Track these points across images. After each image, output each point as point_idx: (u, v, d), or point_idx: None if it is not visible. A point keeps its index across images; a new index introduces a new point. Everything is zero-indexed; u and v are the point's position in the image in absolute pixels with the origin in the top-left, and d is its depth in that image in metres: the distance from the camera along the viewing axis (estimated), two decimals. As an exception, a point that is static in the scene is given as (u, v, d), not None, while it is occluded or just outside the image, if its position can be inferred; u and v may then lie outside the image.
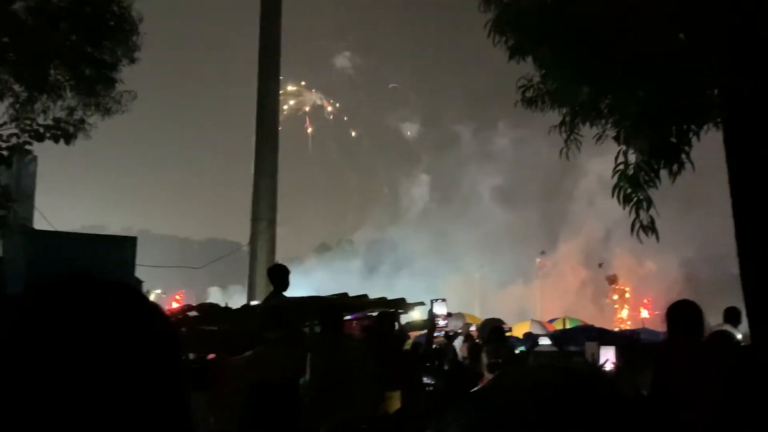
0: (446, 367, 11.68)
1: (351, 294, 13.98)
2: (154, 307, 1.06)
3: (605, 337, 16.65)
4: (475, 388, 6.27)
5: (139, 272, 11.21)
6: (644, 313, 55.76)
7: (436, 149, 74.88)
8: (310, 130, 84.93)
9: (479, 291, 60.67)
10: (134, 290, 1.10)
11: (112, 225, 78.05)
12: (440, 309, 19.32)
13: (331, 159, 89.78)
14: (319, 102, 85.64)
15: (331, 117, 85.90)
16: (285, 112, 71.61)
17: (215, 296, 51.32)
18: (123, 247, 11.02)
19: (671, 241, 54.04)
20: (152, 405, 0.95)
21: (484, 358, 11.30)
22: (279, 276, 8.67)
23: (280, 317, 5.80)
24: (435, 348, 12.06)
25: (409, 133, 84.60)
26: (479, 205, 68.47)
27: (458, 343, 16.04)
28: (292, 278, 8.71)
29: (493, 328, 12.34)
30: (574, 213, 59.36)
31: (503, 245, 63.14)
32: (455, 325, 26.43)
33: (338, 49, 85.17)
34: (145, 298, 1.09)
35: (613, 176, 7.36)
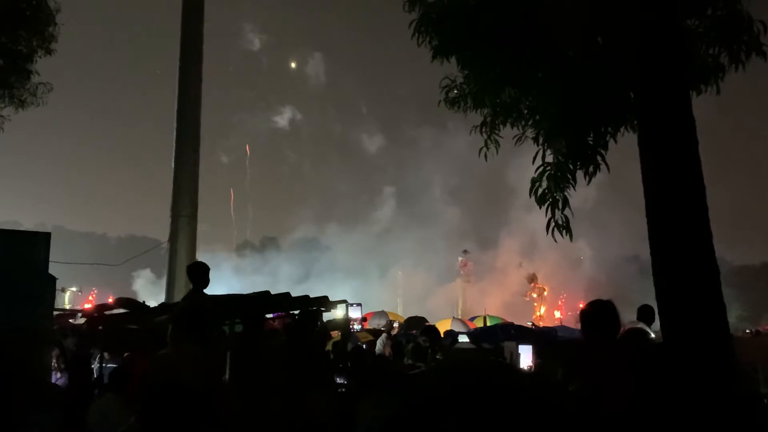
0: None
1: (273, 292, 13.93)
2: None
3: (523, 334, 16.91)
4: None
5: (54, 269, 10.96)
6: (557, 314, 57.26)
7: (385, 155, 74.48)
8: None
9: (402, 290, 61.06)
10: None
11: (25, 221, 76.11)
12: (355, 313, 19.52)
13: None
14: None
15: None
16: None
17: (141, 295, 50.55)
18: (35, 243, 10.79)
19: (595, 240, 55.56)
20: None
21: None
22: (199, 273, 8.62)
23: (199, 315, 5.74)
24: (356, 348, 12.11)
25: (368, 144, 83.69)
26: (425, 206, 68.81)
27: (382, 339, 16.12)
28: (212, 275, 8.67)
29: (426, 329, 12.41)
30: (512, 213, 60.02)
31: (441, 245, 63.76)
32: (378, 323, 26.65)
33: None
34: None
35: (536, 176, 7.49)
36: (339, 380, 10.14)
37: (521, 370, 11.57)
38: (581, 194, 7.71)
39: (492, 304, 53.71)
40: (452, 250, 63.92)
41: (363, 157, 79.24)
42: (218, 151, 75.75)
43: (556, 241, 7.48)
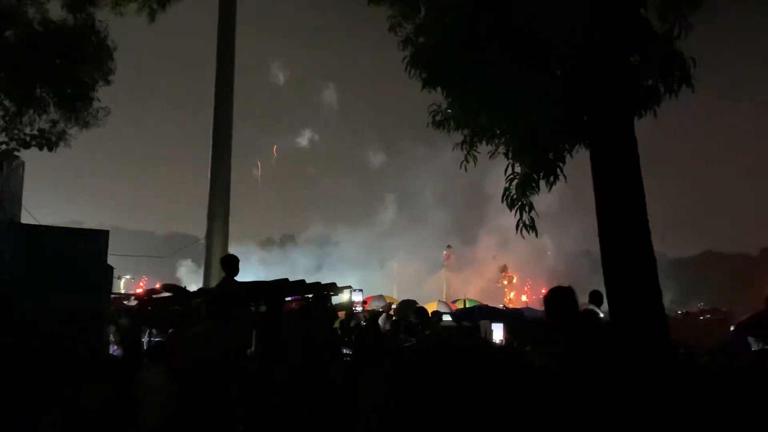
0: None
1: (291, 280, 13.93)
2: None
3: (496, 314, 16.92)
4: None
5: (111, 261, 11.00)
6: (524, 297, 57.45)
7: (387, 167, 74.15)
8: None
9: (397, 278, 61.26)
10: None
11: (89, 221, 75.95)
12: (357, 297, 19.62)
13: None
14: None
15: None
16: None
17: (184, 281, 50.51)
18: (98, 239, 10.85)
19: (556, 237, 55.67)
20: None
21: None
22: (230, 264, 8.60)
23: (227, 300, 5.75)
24: (358, 325, 12.11)
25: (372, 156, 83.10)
26: (419, 209, 68.88)
27: (383, 318, 16.13)
28: (241, 266, 8.66)
29: (417, 310, 12.40)
30: (489, 215, 59.82)
31: (431, 241, 63.94)
32: (377, 305, 26.63)
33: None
34: None
35: (506, 185, 7.52)
36: (345, 351, 10.13)
37: (493, 344, 11.58)
38: (547, 199, 7.72)
39: (471, 289, 53.91)
40: (440, 245, 64.05)
41: (368, 170, 78.94)
42: (248, 165, 75.36)
43: (523, 237, 7.52)
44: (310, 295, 12.97)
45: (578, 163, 7.69)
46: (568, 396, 4.86)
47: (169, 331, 11.36)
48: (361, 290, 17.98)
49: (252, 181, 76.27)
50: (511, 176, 7.51)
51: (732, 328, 11.63)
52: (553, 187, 7.56)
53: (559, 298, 5.61)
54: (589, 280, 10.26)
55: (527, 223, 7.39)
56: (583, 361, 5.10)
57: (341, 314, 15.47)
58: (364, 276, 50.48)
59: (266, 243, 76.43)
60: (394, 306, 22.28)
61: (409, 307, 19.26)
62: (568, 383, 5.01)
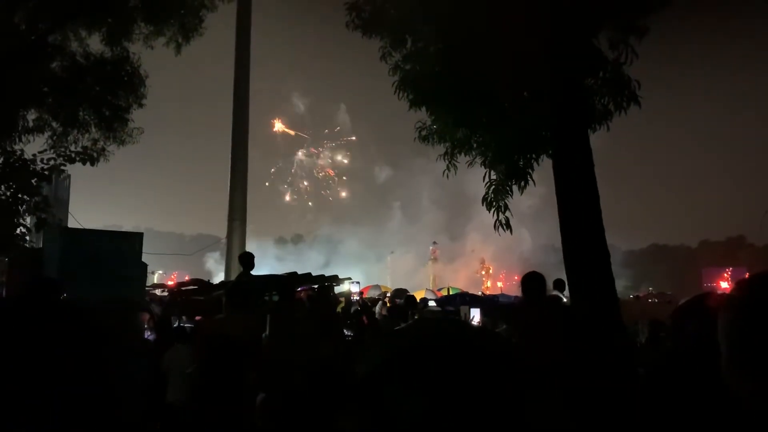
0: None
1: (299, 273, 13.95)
2: None
3: (474, 300, 16.91)
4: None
5: (146, 259, 10.99)
6: (499, 284, 57.55)
7: (393, 179, 73.36)
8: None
9: (390, 270, 61.22)
10: None
11: (126, 223, 75.64)
12: (354, 288, 19.65)
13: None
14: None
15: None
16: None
17: (214, 271, 50.44)
18: (134, 240, 10.84)
19: (526, 232, 55.75)
20: None
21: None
22: (247, 260, 8.62)
23: (244, 291, 5.75)
24: (357, 311, 12.08)
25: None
26: (414, 211, 68.71)
27: (379, 305, 16.10)
28: (257, 261, 8.67)
29: (407, 297, 12.38)
30: (473, 215, 59.58)
31: (423, 238, 63.92)
32: (373, 293, 26.63)
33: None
34: None
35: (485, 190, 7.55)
36: (347, 333, 10.12)
37: (471, 325, 11.58)
38: (526, 200, 7.74)
39: (458, 278, 54.03)
40: (431, 242, 63.90)
41: (372, 179, 77.90)
42: (263, 174, 74.75)
43: (499, 234, 7.54)
44: (316, 286, 13.01)
45: (548, 169, 7.73)
46: (527, 358, 4.90)
47: (196, 318, 11.34)
48: (358, 282, 18.00)
49: (266, 188, 75.58)
50: (488, 182, 7.55)
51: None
52: (524, 190, 7.60)
53: (531, 279, 5.64)
54: (555, 270, 10.26)
55: (503, 222, 7.43)
56: (551, 338, 5.12)
57: (342, 300, 15.47)
58: (364, 269, 50.49)
59: (279, 241, 76.12)
60: (388, 295, 22.33)
61: (400, 295, 19.28)
62: (530, 350, 5.05)
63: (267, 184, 74.32)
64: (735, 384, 1.11)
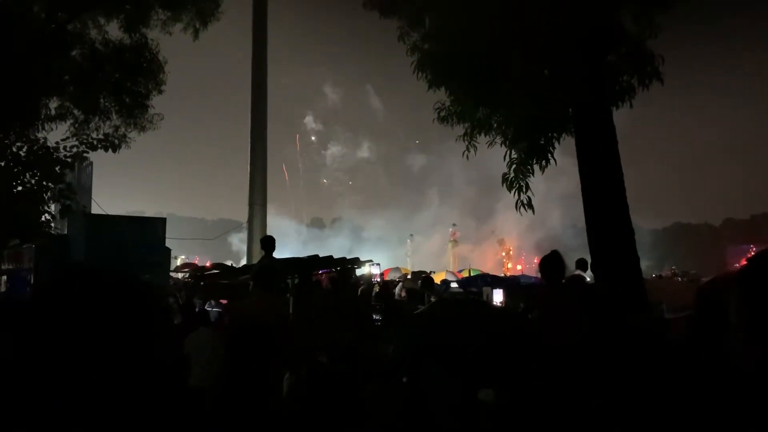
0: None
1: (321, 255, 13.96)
2: None
3: (496, 281, 16.83)
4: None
5: (169, 243, 11.12)
6: (519, 267, 57.33)
7: (426, 166, 72.95)
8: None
9: (411, 252, 61.32)
10: None
11: (148, 209, 76.63)
12: (375, 270, 19.74)
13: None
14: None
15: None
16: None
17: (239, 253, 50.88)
18: (156, 225, 10.99)
19: (545, 213, 55.32)
20: None
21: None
22: (268, 244, 8.65)
23: (270, 273, 5.78)
24: (378, 293, 12.09)
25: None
26: (438, 193, 68.50)
27: (399, 287, 16.11)
28: (279, 244, 8.70)
29: (424, 278, 12.33)
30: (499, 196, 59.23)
31: (448, 220, 63.86)
32: (394, 275, 26.66)
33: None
34: None
35: (506, 169, 7.44)
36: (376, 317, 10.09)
37: (494, 305, 11.54)
38: (548, 182, 7.63)
39: (482, 259, 54.06)
40: (458, 223, 63.78)
41: (400, 164, 77.53)
42: (282, 159, 74.80)
43: (521, 215, 7.44)
44: (338, 268, 13.05)
45: (568, 148, 7.62)
46: (548, 337, 4.91)
47: (221, 301, 11.46)
48: (378, 264, 18.07)
49: (283, 174, 75.65)
50: (509, 162, 7.46)
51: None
52: (545, 170, 7.50)
53: (550, 260, 5.58)
54: (579, 252, 10.15)
55: (524, 202, 7.34)
56: (572, 318, 5.09)
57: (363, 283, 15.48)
58: (387, 251, 50.67)
59: (300, 225, 76.55)
60: (408, 277, 22.35)
61: (418, 277, 19.29)
62: (550, 329, 5.04)
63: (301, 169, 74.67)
64: (743, 354, 1.11)
